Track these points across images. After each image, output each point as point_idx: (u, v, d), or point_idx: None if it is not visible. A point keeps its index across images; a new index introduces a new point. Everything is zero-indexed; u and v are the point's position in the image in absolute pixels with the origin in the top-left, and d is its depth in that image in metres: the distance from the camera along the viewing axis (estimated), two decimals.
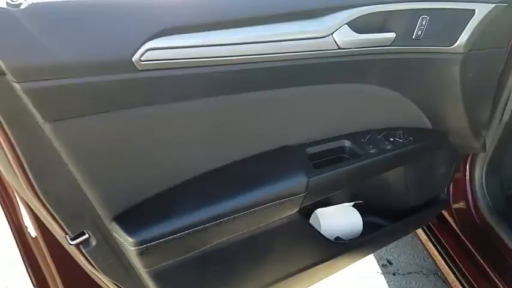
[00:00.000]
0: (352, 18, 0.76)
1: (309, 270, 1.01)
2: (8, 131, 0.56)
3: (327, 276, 1.14)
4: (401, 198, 1.16)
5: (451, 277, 1.32)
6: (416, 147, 0.99)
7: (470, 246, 1.26)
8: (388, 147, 0.95)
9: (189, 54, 0.64)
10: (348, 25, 0.76)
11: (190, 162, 0.78)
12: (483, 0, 0.83)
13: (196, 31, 0.64)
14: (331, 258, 1.04)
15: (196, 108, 0.72)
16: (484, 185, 1.27)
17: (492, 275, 1.18)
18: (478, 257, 1.23)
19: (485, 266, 1.19)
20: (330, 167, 0.88)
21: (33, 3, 0.53)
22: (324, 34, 0.74)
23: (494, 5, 0.84)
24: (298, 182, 0.83)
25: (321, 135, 0.93)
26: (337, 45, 0.76)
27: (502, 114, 1.11)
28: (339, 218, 1.11)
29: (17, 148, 0.57)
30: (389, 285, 1.59)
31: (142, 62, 0.60)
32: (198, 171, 0.79)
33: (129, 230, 0.69)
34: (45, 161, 0.61)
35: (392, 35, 0.81)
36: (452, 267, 1.31)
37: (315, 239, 1.00)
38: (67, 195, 0.65)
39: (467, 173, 1.28)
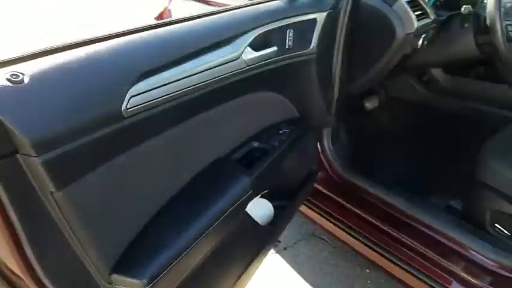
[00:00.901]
0: (250, 39, 0.93)
1: (255, 260, 1.14)
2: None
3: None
4: (291, 179, 1.40)
5: (330, 227, 1.64)
6: (299, 133, 1.23)
7: (339, 200, 1.60)
8: (283, 138, 1.16)
9: (160, 92, 0.69)
10: (249, 46, 0.92)
11: (162, 191, 0.81)
12: (320, 10, 1.13)
13: (162, 71, 0.69)
14: (265, 246, 1.19)
15: (167, 139, 0.77)
16: (332, 149, 1.64)
17: (360, 214, 1.54)
18: (347, 205, 1.59)
19: (355, 210, 1.55)
20: (258, 164, 1.03)
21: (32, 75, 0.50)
22: (236, 56, 0.89)
23: (326, 12, 1.14)
24: (243, 183, 0.95)
25: (238, 142, 1.07)
26: (246, 63, 0.92)
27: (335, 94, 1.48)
28: (257, 211, 1.26)
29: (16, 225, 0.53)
30: (285, 259, 1.84)
31: (128, 110, 0.62)
32: (168, 197, 0.83)
33: (134, 274, 0.69)
34: (48, 234, 0.57)
35: (274, 48, 1.01)
36: (331, 220, 1.63)
37: (256, 229, 1.13)
38: (69, 267, 0.61)
39: (319, 144, 1.63)
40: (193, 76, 0.80)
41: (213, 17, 0.89)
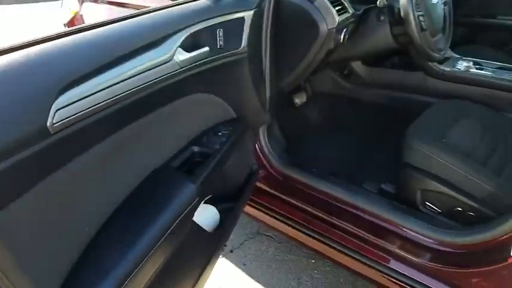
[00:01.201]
0: (181, 40, 0.88)
1: (206, 268, 1.10)
2: None
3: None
4: (234, 180, 1.38)
5: (274, 223, 1.65)
6: (238, 133, 1.21)
7: (280, 195, 1.62)
8: (223, 140, 1.13)
9: (89, 103, 0.63)
10: (180, 47, 0.88)
11: (100, 210, 0.74)
12: (246, 8, 1.12)
13: (89, 79, 0.63)
14: (215, 252, 1.16)
15: (100, 152, 0.70)
16: (269, 146, 1.65)
17: (301, 206, 1.57)
18: (288, 199, 1.61)
19: (296, 203, 1.58)
20: (201, 169, 0.99)
21: None
22: (168, 58, 0.84)
23: (253, 10, 1.13)
24: (189, 190, 0.91)
25: (177, 148, 1.02)
26: (179, 65, 0.87)
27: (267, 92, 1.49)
28: (202, 217, 1.22)
29: None
30: (233, 262, 1.82)
31: (55, 125, 0.55)
32: (107, 216, 0.76)
33: None
34: None
35: (206, 48, 0.98)
36: (274, 215, 1.64)
37: (204, 237, 1.09)
38: None
39: (257, 142, 1.63)
40: (123, 82, 0.74)
41: (140, 19, 0.84)
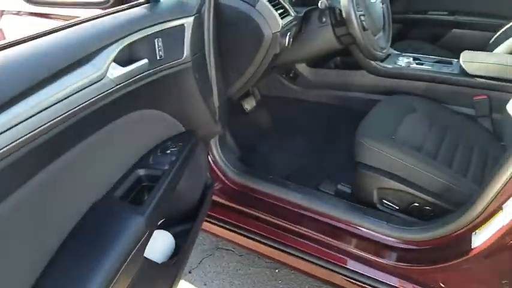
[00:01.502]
0: (114, 54, 0.79)
1: None
2: None
3: None
4: (189, 199, 1.29)
5: (234, 237, 1.59)
6: (188, 148, 1.13)
7: (238, 206, 1.55)
8: (173, 158, 1.04)
9: (13, 135, 0.53)
10: (114, 62, 0.78)
11: (37, 256, 0.63)
12: (186, 15, 1.04)
13: (9, 108, 0.52)
14: (175, 280, 1.06)
15: (31, 190, 0.59)
16: (222, 157, 1.58)
17: (260, 216, 1.52)
18: (246, 210, 1.54)
19: (254, 213, 1.52)
20: (150, 196, 0.89)
21: None
22: (101, 76, 0.74)
23: (193, 17, 1.06)
24: (137, 224, 0.81)
25: (121, 173, 0.92)
26: (114, 82, 0.78)
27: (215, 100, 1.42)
28: (156, 247, 1.12)
29: None
30: (193, 284, 1.72)
31: None
32: (46, 263, 0.65)
33: None
34: None
35: (145, 61, 0.89)
36: (233, 228, 1.57)
37: (160, 269, 0.99)
38: None
39: (209, 154, 1.55)
40: (52, 107, 0.63)
41: (67, 32, 0.73)
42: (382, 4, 1.62)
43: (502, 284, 1.01)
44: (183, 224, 1.26)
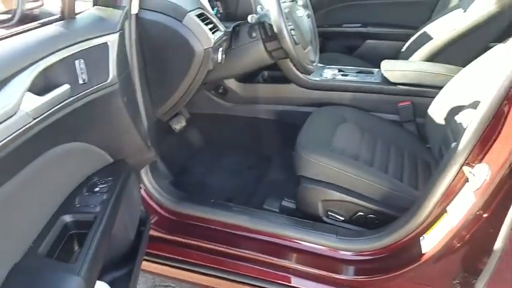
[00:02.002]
0: (28, 82, 0.65)
1: None
2: None
3: None
4: (125, 240, 1.14)
5: (173, 272, 1.45)
6: (121, 183, 1.00)
7: (176, 238, 1.43)
8: (104, 198, 0.90)
9: None
10: (29, 91, 0.65)
11: None
12: (108, 31, 0.92)
13: None
14: None
15: None
16: (155, 185, 1.45)
17: (202, 245, 1.41)
18: (185, 240, 1.43)
19: (196, 243, 1.41)
20: (84, 249, 0.75)
21: None
22: (13, 110, 0.60)
23: (117, 34, 0.95)
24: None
25: (41, 224, 0.76)
26: (30, 115, 0.64)
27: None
28: None
29: None
30: None
31: None
32: None
33: None
34: None
35: (66, 86, 0.76)
36: (171, 263, 1.44)
37: None
38: None
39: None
40: None
41: None
42: (308, 18, 1.63)
43: (454, 284, 1.03)
44: (119, 269, 1.11)
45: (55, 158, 0.80)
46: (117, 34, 0.95)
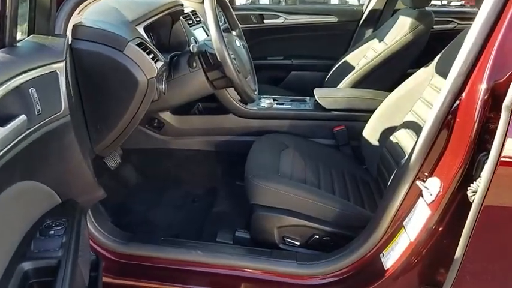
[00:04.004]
0: None
1: None
2: None
3: None
4: (83, 286, 1.00)
5: None
6: (77, 224, 0.88)
7: (128, 282, 1.30)
8: (64, 240, 0.79)
9: None
10: None
11: None
12: (56, 59, 0.83)
13: None
14: None
15: None
16: (98, 226, 1.32)
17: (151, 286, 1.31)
18: (135, 283, 1.31)
19: (150, 285, 1.30)
20: None
21: None
22: None
23: (63, 62, 0.86)
24: None
25: (1, 270, 0.63)
26: None
27: None
28: None
29: None
30: None
31: None
32: None
33: None
34: None
35: (23, 118, 0.66)
36: None
37: None
38: None
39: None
40: None
41: None
42: (243, 48, 1.67)
43: None
44: None
45: (7, 199, 0.68)
46: (63, 63, 0.87)
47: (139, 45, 1.22)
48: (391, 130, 1.56)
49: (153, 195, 1.89)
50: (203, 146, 1.97)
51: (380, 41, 2.19)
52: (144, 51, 1.23)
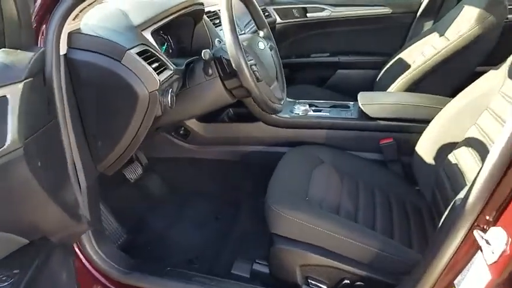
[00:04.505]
0: None
1: None
2: None
3: None
4: None
5: None
6: (32, 273, 0.75)
7: None
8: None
9: None
10: None
11: None
12: (9, 82, 0.69)
13: None
14: None
15: None
16: (100, 252, 1.20)
17: None
18: None
19: None
20: None
21: None
22: None
23: (21, 83, 0.72)
24: None
25: None
26: None
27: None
28: None
29: None
30: None
31: None
32: None
33: None
34: None
35: None
36: None
37: None
38: None
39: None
40: None
41: None
42: (271, 50, 1.45)
43: None
44: None
45: None
46: (23, 84, 0.73)
47: (142, 52, 1.07)
48: (451, 147, 1.27)
49: (175, 210, 1.77)
50: (230, 156, 1.80)
51: (441, 36, 1.85)
52: (149, 59, 1.08)
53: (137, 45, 1.07)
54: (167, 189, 1.86)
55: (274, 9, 2.55)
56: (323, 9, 2.52)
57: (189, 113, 1.39)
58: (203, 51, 1.18)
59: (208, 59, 1.19)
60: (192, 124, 1.80)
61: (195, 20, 1.50)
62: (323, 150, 1.55)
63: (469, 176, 1.09)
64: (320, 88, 2.46)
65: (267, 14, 2.46)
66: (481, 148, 1.12)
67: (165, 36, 1.43)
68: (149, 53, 1.10)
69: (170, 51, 1.46)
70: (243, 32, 1.79)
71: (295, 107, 1.71)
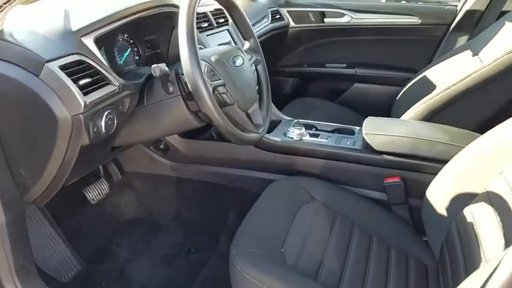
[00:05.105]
0: None
1: None
2: None
3: None
4: None
5: None
6: None
7: None
8: None
9: None
10: None
11: None
12: None
13: None
14: None
15: None
16: None
17: None
18: None
19: None
20: None
21: None
22: None
23: None
24: None
25: None
26: None
27: None
28: None
29: None
30: None
31: None
32: None
33: None
34: None
35: None
36: None
37: None
38: None
39: None
40: None
41: None
42: (256, 66, 1.19)
43: None
44: None
45: None
46: None
47: (72, 65, 0.85)
48: (468, 198, 0.99)
49: (143, 237, 1.56)
50: (213, 177, 1.58)
51: (475, 54, 1.53)
52: (80, 73, 0.86)
53: (66, 56, 0.85)
54: (139, 210, 1.66)
55: (288, 11, 2.29)
56: (343, 15, 2.23)
57: (144, 136, 1.17)
58: (153, 66, 0.94)
59: (160, 75, 0.95)
60: (173, 139, 1.58)
61: (173, 23, 1.27)
62: (315, 183, 1.30)
63: (485, 246, 0.83)
64: (332, 102, 2.19)
65: (278, 16, 2.22)
66: (503, 208, 0.85)
67: (131, 41, 1.21)
68: (84, 65, 0.88)
69: (137, 58, 1.23)
70: (227, 41, 1.54)
71: (289, 130, 1.46)
